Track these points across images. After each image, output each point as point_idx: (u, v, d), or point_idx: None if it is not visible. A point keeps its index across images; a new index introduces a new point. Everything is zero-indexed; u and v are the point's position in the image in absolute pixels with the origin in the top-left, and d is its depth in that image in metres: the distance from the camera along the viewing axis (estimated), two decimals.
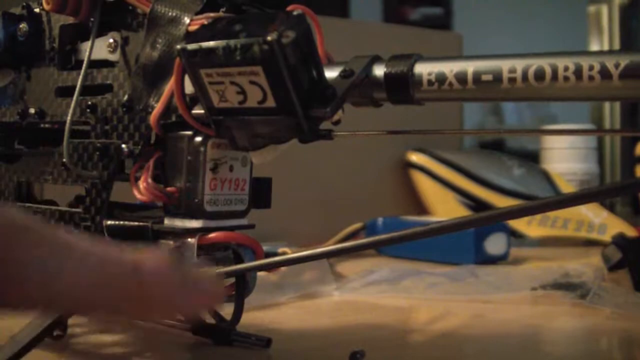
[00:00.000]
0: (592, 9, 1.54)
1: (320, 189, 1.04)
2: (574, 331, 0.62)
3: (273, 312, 0.49)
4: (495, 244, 0.91)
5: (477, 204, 1.08)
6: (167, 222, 0.40)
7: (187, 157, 0.40)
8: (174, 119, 0.40)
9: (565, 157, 1.20)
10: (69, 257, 0.28)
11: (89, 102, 0.43)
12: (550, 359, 0.52)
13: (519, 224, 1.04)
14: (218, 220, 0.40)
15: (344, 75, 0.35)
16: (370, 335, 0.61)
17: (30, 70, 0.48)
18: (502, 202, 1.07)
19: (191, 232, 0.40)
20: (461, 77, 0.35)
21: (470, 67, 0.35)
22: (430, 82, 0.35)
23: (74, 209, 0.42)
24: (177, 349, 0.52)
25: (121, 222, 0.42)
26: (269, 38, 0.33)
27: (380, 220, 0.98)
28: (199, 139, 0.39)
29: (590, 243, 1.07)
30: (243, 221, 0.42)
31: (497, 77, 0.34)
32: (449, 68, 0.35)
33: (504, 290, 0.74)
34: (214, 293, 0.35)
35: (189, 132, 0.40)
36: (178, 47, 0.36)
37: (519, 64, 0.34)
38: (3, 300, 0.27)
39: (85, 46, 0.46)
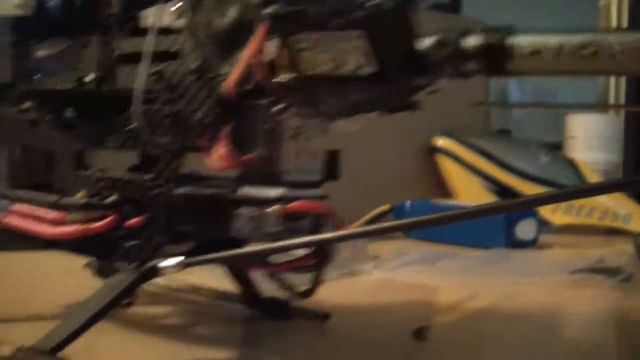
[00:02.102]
0: (603, 2, 1.53)
1: (347, 171, 1.03)
2: (619, 314, 0.62)
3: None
4: (525, 229, 0.91)
5: (502, 190, 1.07)
6: (243, 190, 0.40)
7: (267, 125, 0.39)
8: (250, 86, 0.39)
9: (589, 146, 1.19)
10: None
11: (155, 69, 0.42)
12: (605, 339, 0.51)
13: (544, 211, 1.04)
14: (296, 189, 0.40)
15: (440, 45, 0.34)
16: (419, 313, 0.60)
17: (87, 37, 0.47)
18: (527, 188, 1.07)
19: (271, 201, 0.39)
20: (558, 50, 0.34)
21: (568, 40, 0.34)
22: (525, 54, 0.34)
23: (143, 177, 0.41)
24: (232, 322, 0.52)
25: (195, 191, 0.41)
26: (371, 3, 0.32)
27: (408, 203, 0.97)
28: (279, 107, 0.39)
29: (613, 232, 1.07)
30: (317, 192, 0.41)
31: (596, 51, 0.33)
32: (546, 40, 0.34)
33: (541, 273, 0.74)
34: None
35: (268, 100, 0.39)
36: (266, 11, 0.35)
37: (615, 38, 0.33)
38: None
39: (148, 13, 0.45)
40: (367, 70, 0.33)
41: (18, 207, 0.46)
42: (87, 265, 0.63)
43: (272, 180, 0.39)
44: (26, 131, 0.47)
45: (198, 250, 0.44)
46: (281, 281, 0.47)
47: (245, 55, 0.38)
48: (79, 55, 0.46)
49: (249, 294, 0.54)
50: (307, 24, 0.33)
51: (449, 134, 1.15)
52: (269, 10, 0.34)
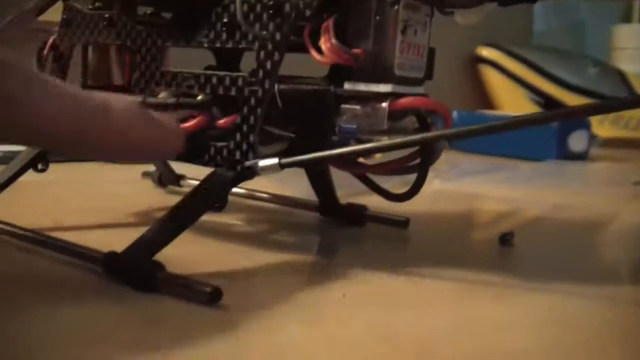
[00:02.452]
0: None
1: None
2: None
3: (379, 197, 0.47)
4: (577, 141, 0.89)
5: (547, 102, 1.05)
6: (348, 86, 0.38)
7: (376, 17, 0.37)
8: None
9: (638, 57, 1.17)
10: (53, 92, 0.32)
11: None
12: None
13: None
14: (404, 85, 0.38)
15: None
16: (492, 220, 0.59)
17: None
18: (574, 100, 1.05)
19: (380, 96, 0.37)
20: None
21: None
22: None
23: (238, 74, 0.39)
24: (307, 229, 0.51)
25: (297, 87, 0.39)
26: None
27: (455, 113, 0.95)
28: None
29: None
30: (420, 89, 0.39)
31: None
32: None
33: (600, 185, 0.73)
34: (175, 137, 0.39)
35: None
36: None
37: None
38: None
39: None
40: None
41: None
42: (146, 174, 0.62)
43: (383, 75, 0.37)
44: (103, 29, 0.45)
45: (290, 151, 0.42)
46: (374, 184, 0.45)
47: None
48: None
49: (327, 200, 0.52)
50: None
51: (493, 44, 1.12)
52: None
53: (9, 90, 0.31)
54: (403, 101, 0.36)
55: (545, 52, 1.13)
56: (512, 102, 1.08)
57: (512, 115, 0.91)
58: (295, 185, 0.58)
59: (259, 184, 0.50)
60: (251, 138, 0.39)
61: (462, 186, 0.70)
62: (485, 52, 1.08)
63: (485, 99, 1.11)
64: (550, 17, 3.37)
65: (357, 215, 0.52)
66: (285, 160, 0.38)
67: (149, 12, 0.50)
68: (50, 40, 0.49)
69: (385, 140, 0.37)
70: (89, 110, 0.34)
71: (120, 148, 0.36)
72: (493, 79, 1.09)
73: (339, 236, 0.50)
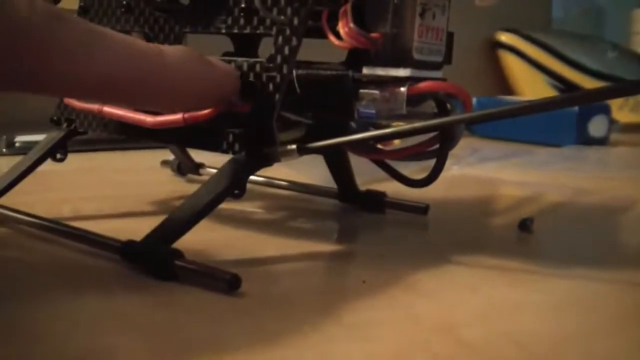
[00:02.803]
0: None
1: None
2: None
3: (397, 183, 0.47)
4: (597, 126, 0.89)
5: (567, 87, 1.04)
6: (366, 71, 0.37)
7: (394, 1, 0.36)
8: None
9: None
10: (104, 40, 0.31)
11: None
12: None
13: None
14: (423, 70, 0.37)
15: None
16: (512, 206, 0.59)
17: None
18: (593, 85, 1.04)
19: (399, 81, 0.36)
20: None
21: None
22: None
23: (256, 59, 0.39)
24: (325, 216, 0.51)
25: (315, 72, 0.39)
26: None
27: (474, 99, 0.95)
28: None
29: None
30: (439, 73, 0.39)
31: None
32: None
33: (621, 169, 0.72)
34: (233, 77, 0.38)
35: None
36: None
37: None
38: (44, 80, 0.30)
39: None
40: None
41: None
42: (165, 163, 0.62)
43: (401, 59, 0.36)
44: (120, 16, 0.45)
45: (308, 137, 0.41)
46: (393, 170, 0.44)
47: None
48: None
49: (346, 187, 0.52)
50: None
51: (511, 29, 1.11)
52: None
53: (70, 44, 0.30)
54: (422, 85, 0.36)
55: (564, 37, 1.12)
56: (531, 87, 1.07)
57: (527, 101, 0.90)
58: (314, 172, 0.58)
59: (277, 172, 0.50)
60: (269, 124, 0.39)
61: (482, 171, 0.69)
62: (504, 37, 1.07)
63: (504, 85, 1.10)
64: (569, 2, 3.35)
65: (376, 202, 0.52)
66: (304, 147, 0.38)
67: None
68: None
69: (404, 125, 0.37)
70: (145, 57, 0.34)
71: (180, 92, 0.36)
72: (512, 64, 1.08)
73: (358, 223, 0.50)
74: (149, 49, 0.34)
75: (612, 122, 0.95)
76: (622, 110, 1.01)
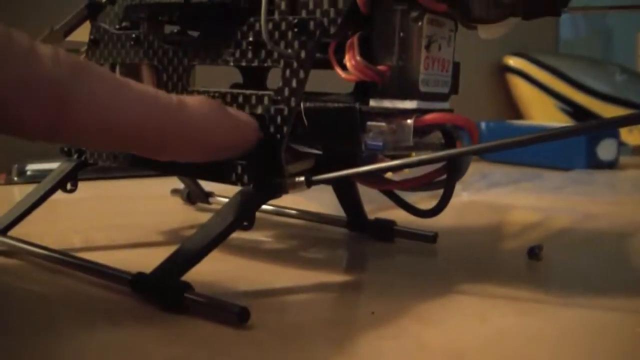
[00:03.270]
0: None
1: None
2: None
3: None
4: (606, 149, 0.89)
5: (576, 110, 1.04)
6: (373, 103, 0.38)
7: (400, 34, 0.37)
8: None
9: None
10: (129, 92, 0.32)
11: None
12: None
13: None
14: (429, 101, 0.38)
15: None
16: (522, 233, 0.59)
17: None
18: (602, 108, 1.04)
19: (406, 113, 0.37)
20: None
21: None
22: None
23: (264, 92, 0.40)
24: (334, 245, 0.51)
25: (322, 105, 0.39)
26: None
27: (483, 124, 0.95)
28: (414, 13, 0.36)
29: None
30: (446, 105, 0.39)
31: None
32: None
33: (634, 192, 0.72)
34: (252, 128, 0.38)
35: (403, 6, 0.37)
36: None
37: None
38: (70, 132, 0.31)
39: None
40: None
41: None
42: (175, 192, 0.62)
43: (408, 91, 0.37)
44: (130, 49, 0.45)
45: (316, 168, 0.42)
46: (401, 200, 0.45)
47: None
48: None
49: (355, 216, 0.53)
50: None
51: (519, 53, 1.12)
52: None
53: (97, 96, 0.31)
54: (429, 117, 0.36)
55: (573, 60, 1.12)
56: (540, 111, 1.07)
57: (539, 127, 0.91)
58: (323, 200, 0.58)
59: (286, 200, 0.50)
60: (277, 156, 0.39)
61: (491, 197, 0.69)
62: (512, 61, 1.07)
63: (513, 109, 1.10)
64: (577, 25, 3.36)
65: (385, 230, 0.52)
66: (313, 178, 0.38)
67: (175, 30, 0.50)
68: None
69: (412, 157, 0.37)
70: (169, 109, 0.34)
71: (202, 143, 0.36)
72: (521, 88, 1.08)
73: (367, 252, 0.50)
74: (172, 100, 0.35)
75: (621, 145, 0.95)
76: (631, 132, 1.01)
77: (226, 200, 0.58)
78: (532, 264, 0.47)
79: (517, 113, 1.12)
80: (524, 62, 1.11)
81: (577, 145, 0.87)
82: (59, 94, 0.30)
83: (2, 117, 0.29)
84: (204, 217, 0.57)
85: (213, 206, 0.61)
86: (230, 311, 0.34)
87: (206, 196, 0.62)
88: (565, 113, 1.08)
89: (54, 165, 0.76)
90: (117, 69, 0.48)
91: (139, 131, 0.33)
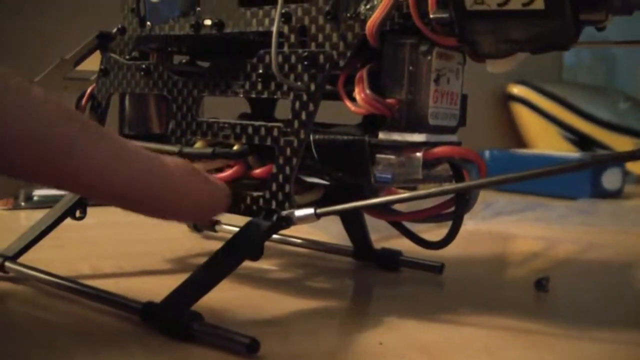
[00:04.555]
0: None
1: None
2: None
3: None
4: (611, 179, 0.89)
5: (580, 139, 1.05)
6: (382, 136, 0.38)
7: (409, 67, 0.37)
8: (391, 26, 0.38)
9: None
10: (126, 153, 0.34)
11: (282, 11, 0.40)
12: None
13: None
14: (438, 134, 0.38)
15: None
16: (528, 263, 0.59)
17: None
18: (606, 136, 1.04)
19: (415, 146, 0.37)
20: None
21: None
22: None
23: (273, 124, 0.40)
24: (341, 274, 0.51)
25: (332, 137, 0.39)
26: None
27: (487, 152, 0.95)
28: (424, 47, 0.37)
29: None
30: (454, 137, 0.40)
31: None
32: None
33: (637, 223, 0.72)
34: (225, 195, 0.40)
35: (412, 40, 0.37)
36: None
37: None
38: (60, 180, 0.33)
39: None
40: (537, 5, 0.31)
41: None
42: None
43: (417, 124, 0.37)
44: (140, 79, 0.46)
45: (325, 199, 0.42)
46: (409, 231, 0.45)
47: None
48: None
49: (361, 245, 0.53)
50: None
51: (523, 81, 1.12)
52: None
53: (104, 157, 0.33)
54: (437, 150, 0.37)
55: (576, 88, 1.13)
56: (544, 139, 1.08)
57: (543, 156, 0.91)
58: (329, 229, 0.58)
59: (292, 229, 0.50)
60: (287, 188, 0.40)
61: (496, 226, 0.70)
62: (516, 89, 1.08)
63: (517, 137, 1.11)
64: (580, 52, 3.37)
65: (391, 260, 0.52)
66: (321, 210, 0.39)
67: (184, 60, 0.51)
68: (89, 90, 0.50)
69: (420, 190, 0.37)
70: (156, 171, 0.36)
71: (180, 204, 0.38)
72: (525, 116, 1.08)
73: (374, 282, 0.50)
74: (159, 162, 0.37)
75: (626, 174, 0.95)
76: (637, 161, 1.01)
77: (233, 228, 0.59)
78: (539, 295, 0.47)
79: (521, 141, 1.13)
80: (528, 90, 1.12)
81: (581, 174, 0.87)
82: (66, 148, 0.31)
83: (9, 164, 0.31)
84: (211, 245, 0.57)
85: (220, 234, 0.62)
86: (240, 342, 0.34)
87: (213, 224, 0.62)
88: (570, 141, 1.09)
89: (60, 191, 0.77)
90: (127, 98, 0.48)
91: (129, 190, 0.35)
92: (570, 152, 0.99)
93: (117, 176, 0.34)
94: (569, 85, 1.16)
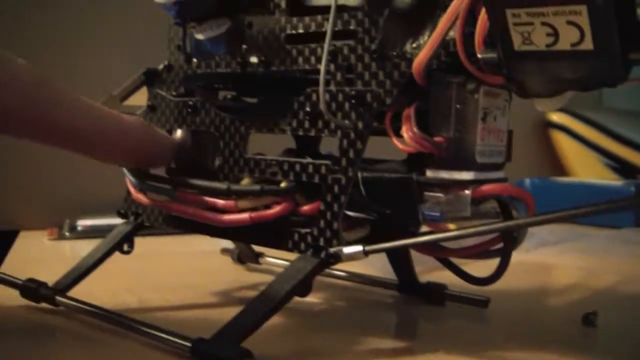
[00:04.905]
0: None
1: None
2: None
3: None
4: None
5: (621, 166, 1.04)
6: (430, 174, 0.38)
7: (456, 106, 0.37)
8: (437, 64, 0.38)
9: None
10: (77, 101, 0.42)
11: (329, 49, 0.41)
12: None
13: None
14: (486, 172, 0.38)
15: None
16: (576, 296, 0.59)
17: (251, 17, 0.46)
18: None
19: (463, 184, 0.37)
20: None
21: None
22: None
23: (321, 161, 0.40)
24: (386, 308, 0.51)
25: (379, 175, 0.40)
26: None
27: (527, 180, 0.95)
28: (471, 86, 0.37)
29: None
30: (500, 174, 0.40)
31: None
32: None
33: None
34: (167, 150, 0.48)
35: (459, 79, 0.37)
36: None
37: None
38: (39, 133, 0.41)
39: None
40: (586, 46, 0.31)
41: (182, 193, 0.46)
42: (225, 251, 0.63)
43: (465, 162, 0.37)
44: (187, 115, 0.47)
45: (372, 237, 0.42)
46: (456, 267, 0.45)
47: (436, 33, 0.36)
48: (243, 36, 0.45)
49: (406, 279, 0.53)
50: None
51: (563, 108, 1.12)
52: None
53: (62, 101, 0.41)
54: (485, 188, 0.37)
55: (616, 115, 1.12)
56: (585, 167, 1.07)
57: (585, 184, 0.90)
58: (374, 263, 0.58)
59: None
60: (335, 225, 0.40)
61: (539, 257, 0.69)
62: (556, 116, 1.07)
63: (557, 165, 1.10)
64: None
65: (437, 294, 0.52)
66: (369, 248, 0.39)
67: (229, 96, 0.52)
68: None
69: (468, 227, 0.38)
70: (107, 118, 0.44)
71: (126, 151, 0.45)
72: (565, 144, 1.08)
73: (418, 316, 0.50)
74: (110, 112, 0.44)
75: None
76: None
77: (276, 261, 0.59)
78: (586, 330, 0.47)
79: (561, 169, 1.12)
80: (568, 117, 1.11)
81: None
82: (35, 92, 0.39)
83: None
84: (254, 277, 0.58)
85: (263, 266, 0.62)
86: None
87: (256, 257, 0.63)
88: (611, 168, 1.08)
89: (104, 221, 0.79)
90: (178, 133, 0.49)
91: (83, 130, 0.42)
92: (611, 179, 0.99)
93: (70, 116, 0.41)
94: (609, 112, 1.15)
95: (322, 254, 0.39)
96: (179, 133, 0.48)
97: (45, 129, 0.41)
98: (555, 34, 0.32)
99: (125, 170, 0.48)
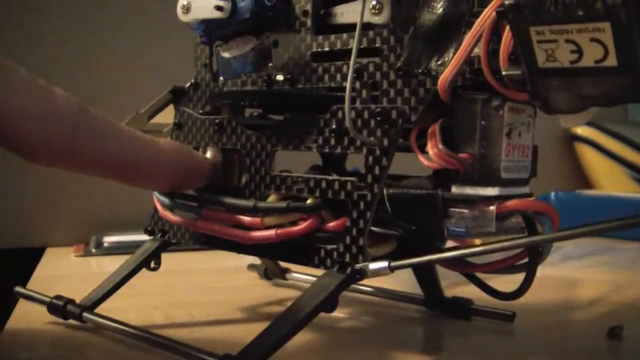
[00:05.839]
0: None
1: None
2: None
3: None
4: None
5: None
6: (455, 190, 0.38)
7: (481, 122, 0.37)
8: (462, 81, 0.38)
9: None
10: (114, 127, 0.41)
11: (354, 67, 0.41)
12: None
13: None
14: (510, 187, 0.38)
15: None
16: (602, 310, 0.58)
17: (277, 36, 0.46)
18: None
19: (488, 200, 0.37)
20: None
21: None
22: None
23: (347, 178, 0.41)
24: (412, 323, 0.51)
25: (405, 191, 0.40)
26: None
27: (552, 194, 0.95)
28: (496, 102, 0.37)
29: None
30: (526, 189, 0.40)
31: None
32: None
33: None
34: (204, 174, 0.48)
35: (483, 95, 0.37)
36: (506, 2, 0.33)
37: None
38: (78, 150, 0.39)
39: (342, 9, 0.44)
40: (610, 62, 0.31)
41: (208, 210, 0.46)
42: (252, 267, 0.64)
43: (490, 178, 0.37)
44: (214, 133, 0.47)
45: (398, 253, 0.43)
46: (482, 282, 0.45)
47: (461, 50, 0.37)
48: (269, 54, 0.46)
49: (432, 294, 0.53)
50: (553, 15, 0.31)
51: (588, 122, 1.11)
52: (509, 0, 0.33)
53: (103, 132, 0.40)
54: (510, 204, 0.37)
55: None
56: (611, 180, 1.06)
57: (611, 197, 0.90)
58: (400, 277, 0.59)
59: None
60: (360, 241, 0.40)
61: (565, 271, 0.69)
62: (581, 130, 1.07)
63: (583, 178, 1.10)
64: None
65: (463, 309, 0.52)
66: (395, 264, 0.39)
67: (255, 113, 0.52)
68: None
69: (494, 242, 0.38)
70: (145, 146, 0.42)
71: (165, 178, 0.44)
72: (590, 157, 1.07)
73: (445, 331, 0.50)
74: (148, 139, 0.43)
75: None
76: None
77: (302, 276, 0.59)
78: (612, 345, 0.47)
79: (587, 182, 1.12)
80: (593, 130, 1.11)
81: None
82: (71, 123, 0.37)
83: (28, 142, 0.36)
84: (281, 293, 0.58)
85: (290, 282, 0.62)
86: None
87: (282, 272, 0.63)
88: (637, 182, 1.07)
89: (130, 237, 0.79)
90: (210, 153, 0.49)
91: (122, 160, 0.41)
92: (638, 192, 0.98)
93: (110, 147, 0.40)
94: (635, 125, 1.14)
95: (348, 270, 0.39)
96: (210, 153, 0.48)
97: (93, 162, 0.40)
98: (579, 50, 0.32)
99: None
